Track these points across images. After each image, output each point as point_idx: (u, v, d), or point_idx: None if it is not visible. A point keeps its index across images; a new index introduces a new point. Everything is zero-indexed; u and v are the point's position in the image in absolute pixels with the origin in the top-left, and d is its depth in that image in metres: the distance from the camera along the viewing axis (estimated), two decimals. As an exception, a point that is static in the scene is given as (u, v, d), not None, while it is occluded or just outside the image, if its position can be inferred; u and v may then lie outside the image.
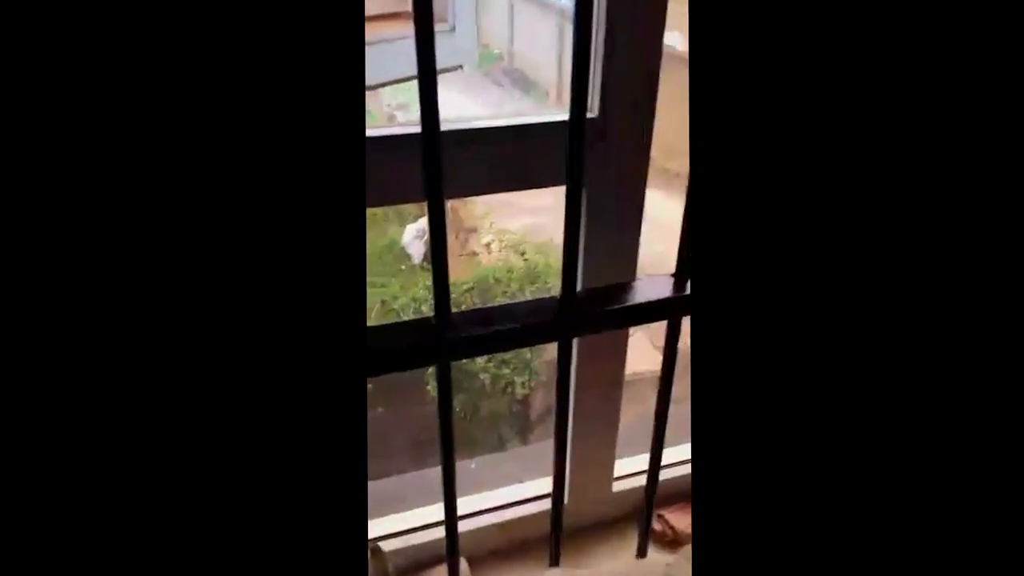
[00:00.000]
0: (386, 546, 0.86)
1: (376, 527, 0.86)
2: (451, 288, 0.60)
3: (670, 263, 0.61)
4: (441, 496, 0.75)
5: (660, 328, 0.63)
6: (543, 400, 3.31)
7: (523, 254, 3.71)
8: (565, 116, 0.52)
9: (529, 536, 0.91)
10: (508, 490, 0.93)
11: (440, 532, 0.85)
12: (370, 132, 0.60)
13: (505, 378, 3.13)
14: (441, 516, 0.80)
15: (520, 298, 3.14)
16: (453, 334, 0.61)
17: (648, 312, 0.60)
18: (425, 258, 3.95)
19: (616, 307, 0.61)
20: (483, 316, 0.63)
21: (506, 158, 0.64)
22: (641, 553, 0.77)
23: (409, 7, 0.43)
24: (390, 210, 4.36)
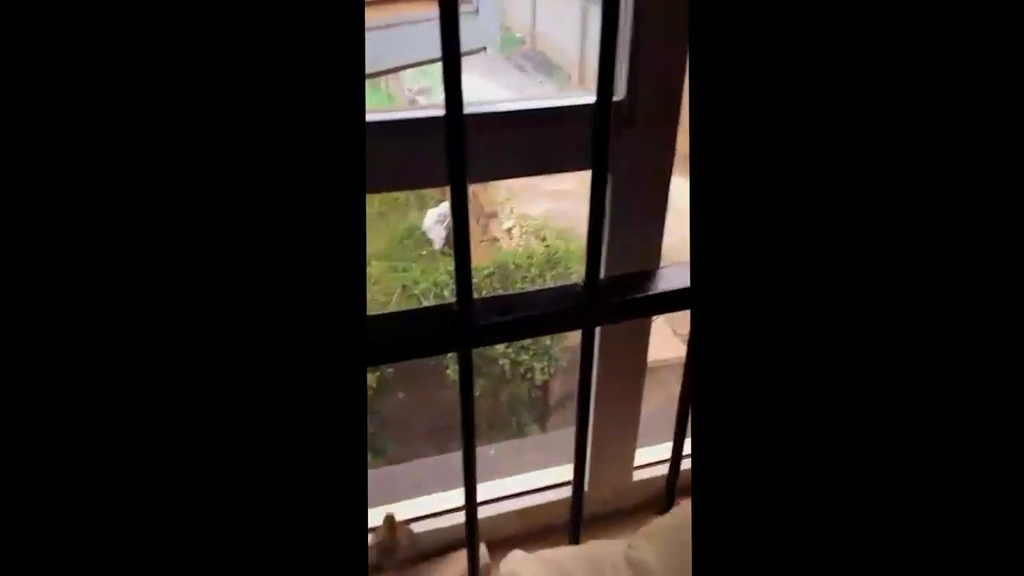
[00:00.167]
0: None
1: (396, 511, 0.87)
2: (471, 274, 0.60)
3: (696, 251, 0.59)
4: (461, 481, 0.75)
5: (681, 316, 0.62)
6: (562, 386, 3.31)
7: (544, 240, 3.70)
8: (590, 99, 0.51)
9: (549, 523, 0.91)
10: (528, 476, 0.93)
11: (460, 517, 0.85)
12: (392, 115, 0.59)
13: (524, 364, 3.13)
14: (461, 501, 0.80)
15: (540, 284, 3.13)
16: (475, 321, 0.61)
17: (672, 301, 0.59)
18: (446, 243, 3.95)
19: (640, 295, 0.60)
20: (505, 303, 0.63)
21: (530, 142, 0.63)
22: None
23: (433, -13, 0.42)
24: (411, 195, 4.37)
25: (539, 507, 0.91)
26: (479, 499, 0.76)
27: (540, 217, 4.03)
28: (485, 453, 0.80)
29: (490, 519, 0.88)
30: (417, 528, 0.87)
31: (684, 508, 0.57)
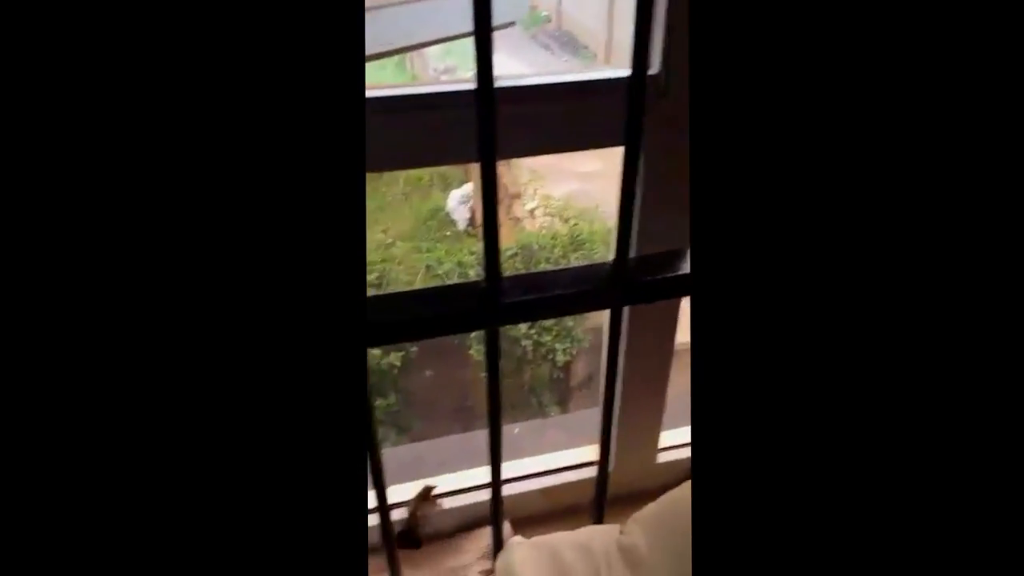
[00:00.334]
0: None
1: (421, 488, 0.88)
2: (500, 252, 0.59)
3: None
4: (484, 459, 0.75)
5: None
6: (584, 368, 3.30)
7: (567, 220, 3.67)
8: (622, 73, 0.50)
9: (572, 503, 0.91)
10: (553, 456, 0.93)
11: (483, 495, 0.86)
12: (421, 89, 0.59)
13: (546, 345, 3.13)
14: (484, 479, 0.80)
15: (563, 265, 3.11)
16: (502, 300, 0.60)
17: (705, 280, 0.58)
18: (470, 223, 3.95)
19: (670, 275, 0.59)
20: (533, 282, 0.62)
21: (561, 117, 0.62)
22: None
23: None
24: (435, 175, 4.36)
25: (563, 486, 0.91)
26: (504, 477, 0.76)
27: (564, 198, 4.00)
28: (509, 432, 0.80)
29: (514, 497, 0.88)
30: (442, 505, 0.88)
31: (675, 493, 0.56)
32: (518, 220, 3.80)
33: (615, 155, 0.55)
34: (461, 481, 0.90)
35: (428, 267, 3.28)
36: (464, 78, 0.49)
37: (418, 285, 3.26)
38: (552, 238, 3.44)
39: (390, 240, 3.75)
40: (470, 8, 0.43)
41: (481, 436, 0.70)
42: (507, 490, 0.80)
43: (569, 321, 3.11)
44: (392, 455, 0.70)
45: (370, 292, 0.56)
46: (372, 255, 3.34)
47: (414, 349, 2.99)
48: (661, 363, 0.84)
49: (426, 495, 0.85)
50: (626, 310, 0.68)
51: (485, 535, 0.86)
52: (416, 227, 4.03)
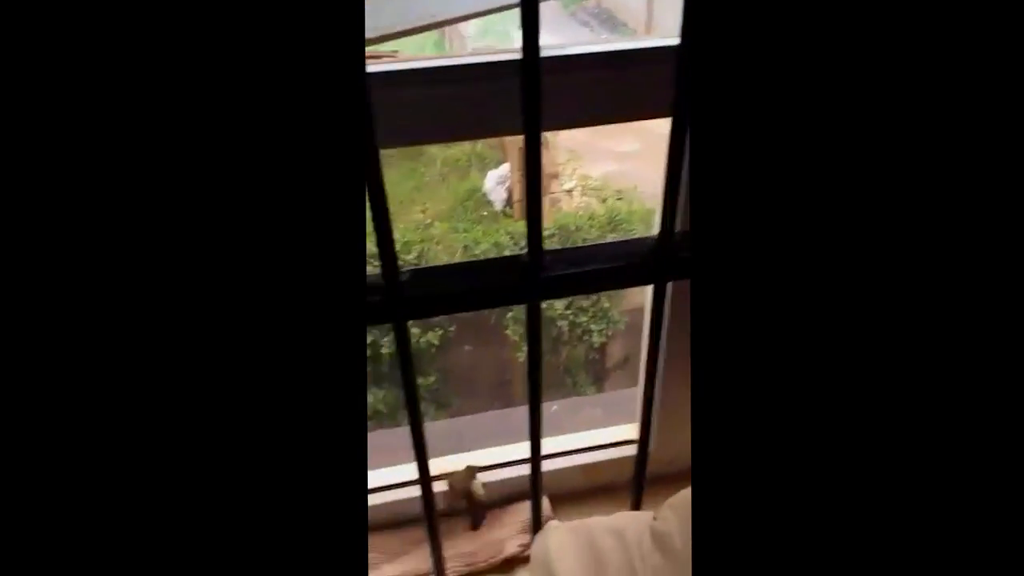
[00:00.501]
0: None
1: (461, 462, 0.89)
2: (543, 226, 0.59)
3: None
4: (518, 436, 0.75)
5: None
6: (620, 349, 3.28)
7: (605, 200, 3.63)
8: (669, 42, 0.48)
9: (612, 480, 0.91)
10: (592, 433, 0.93)
11: (521, 470, 0.86)
12: (463, 60, 0.58)
13: (582, 326, 3.12)
14: (521, 455, 0.81)
15: (601, 246, 3.07)
16: (544, 274, 0.60)
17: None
18: (507, 204, 3.94)
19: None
20: (575, 256, 0.62)
21: (605, 88, 0.61)
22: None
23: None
24: (472, 156, 4.36)
25: (602, 464, 0.91)
26: (543, 452, 0.76)
27: (602, 178, 3.95)
28: (547, 409, 0.80)
29: (552, 473, 0.89)
30: (480, 479, 0.89)
31: None
32: (555, 201, 3.78)
33: (654, 135, 0.54)
34: (500, 456, 0.90)
35: (465, 247, 3.30)
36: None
37: (455, 265, 3.27)
38: (589, 218, 3.41)
39: (428, 220, 3.77)
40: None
41: (517, 413, 0.70)
42: (546, 466, 0.80)
43: (605, 302, 3.09)
44: (431, 429, 0.71)
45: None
46: (410, 235, 3.36)
47: (452, 328, 3.01)
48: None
49: (471, 475, 0.86)
50: (670, 286, 0.67)
51: (523, 509, 0.87)
52: (454, 207, 4.04)
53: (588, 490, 0.91)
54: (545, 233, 0.58)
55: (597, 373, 3.30)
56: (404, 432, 0.70)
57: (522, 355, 2.77)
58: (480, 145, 4.33)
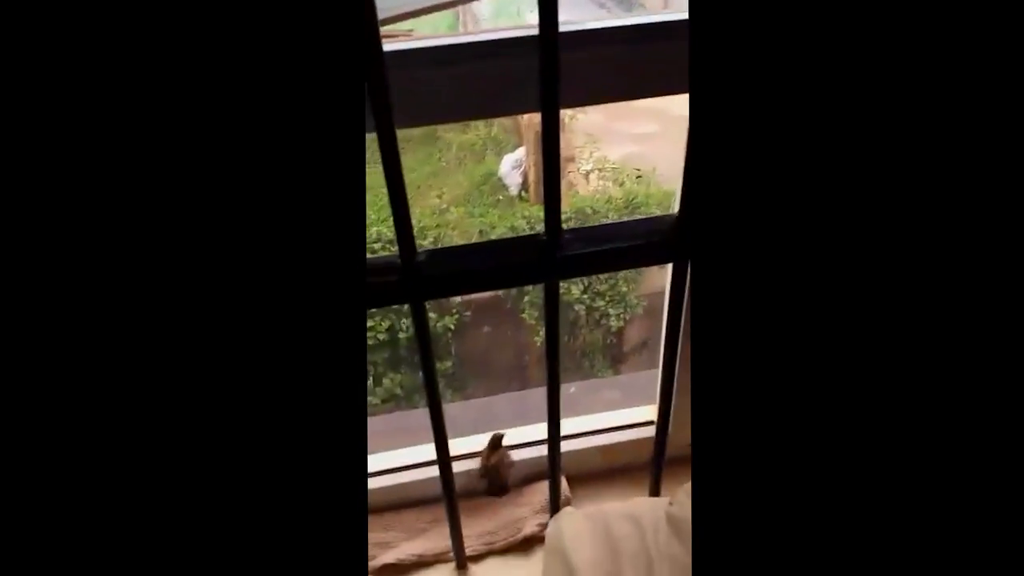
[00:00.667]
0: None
1: (479, 443, 0.89)
2: (560, 205, 0.58)
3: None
4: (538, 417, 0.75)
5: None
6: (637, 334, 3.27)
7: (622, 184, 3.60)
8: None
9: (630, 461, 0.91)
10: (610, 415, 0.93)
11: (541, 450, 0.86)
12: (480, 37, 0.57)
13: (599, 310, 3.11)
14: (542, 435, 0.81)
15: (618, 230, 3.05)
16: (563, 253, 0.60)
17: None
18: (522, 188, 3.92)
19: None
20: (594, 234, 0.61)
21: (623, 63, 0.60)
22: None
23: None
24: (488, 140, 4.34)
25: (620, 445, 0.91)
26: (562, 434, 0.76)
27: (619, 161, 3.91)
28: (565, 391, 0.80)
29: (570, 454, 0.89)
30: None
31: None
32: (572, 184, 3.75)
33: (671, 116, 0.53)
34: (518, 437, 0.91)
35: (481, 232, 3.29)
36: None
37: (472, 250, 3.26)
38: (607, 202, 3.38)
39: (444, 205, 3.77)
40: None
41: (533, 396, 0.71)
42: (564, 447, 0.80)
43: (623, 286, 3.07)
44: (447, 411, 0.72)
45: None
46: (427, 219, 3.36)
47: (468, 313, 3.02)
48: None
49: (496, 444, 0.87)
50: (690, 265, 0.66)
51: (542, 489, 0.87)
52: (470, 192, 4.03)
53: (606, 471, 0.91)
54: (562, 217, 0.58)
55: (615, 357, 3.29)
56: (421, 414, 0.70)
57: (539, 339, 2.78)
58: (495, 129, 4.31)
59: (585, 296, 3.09)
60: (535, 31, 0.49)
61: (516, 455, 0.89)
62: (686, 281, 0.65)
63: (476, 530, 0.85)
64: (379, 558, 0.82)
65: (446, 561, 0.84)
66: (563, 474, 0.85)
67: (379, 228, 2.89)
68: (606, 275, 3.02)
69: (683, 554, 0.58)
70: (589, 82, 0.59)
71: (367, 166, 0.36)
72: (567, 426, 0.90)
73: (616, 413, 0.93)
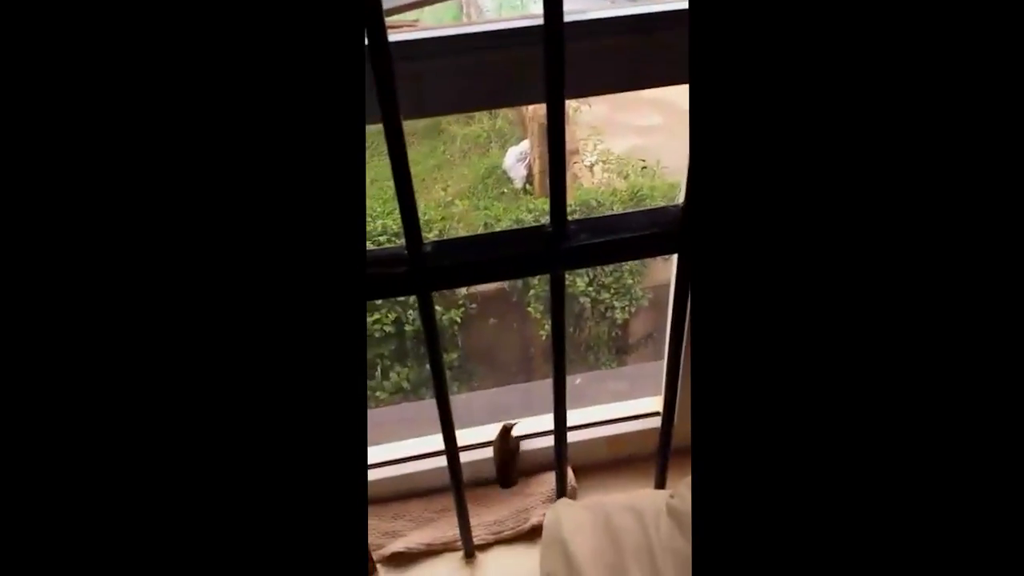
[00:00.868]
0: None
1: (486, 434, 0.90)
2: (563, 198, 0.58)
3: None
4: (545, 408, 0.75)
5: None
6: (642, 326, 3.27)
7: (627, 176, 3.59)
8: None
9: (635, 452, 0.91)
10: (616, 406, 0.93)
11: (548, 441, 0.87)
12: (484, 27, 0.57)
13: (605, 303, 3.11)
14: (549, 426, 0.81)
15: (623, 222, 3.04)
16: (568, 244, 0.60)
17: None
18: (527, 181, 3.92)
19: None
20: (599, 225, 0.61)
21: (628, 53, 0.60)
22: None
23: None
24: (492, 133, 4.33)
25: (626, 436, 0.91)
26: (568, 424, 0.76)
27: (624, 153, 3.90)
28: (571, 382, 0.81)
29: (576, 445, 0.89)
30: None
31: None
32: (576, 176, 3.74)
33: (675, 108, 0.53)
34: (525, 428, 0.91)
35: (486, 224, 3.29)
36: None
37: (477, 242, 3.26)
38: (612, 194, 3.38)
39: (449, 198, 3.76)
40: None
41: (539, 387, 0.71)
42: (570, 437, 0.81)
43: (628, 279, 3.07)
44: (454, 402, 0.72)
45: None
46: (432, 212, 3.36)
47: (474, 306, 3.03)
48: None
49: (506, 434, 0.87)
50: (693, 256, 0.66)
51: (548, 480, 0.88)
52: (474, 185, 4.03)
53: (612, 462, 0.92)
54: (567, 209, 0.58)
55: (620, 349, 3.29)
56: (429, 405, 0.71)
57: (544, 332, 2.78)
58: (500, 121, 4.30)
59: (590, 289, 3.09)
60: (540, 21, 0.49)
61: (523, 446, 0.90)
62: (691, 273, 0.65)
63: (484, 519, 0.85)
64: (388, 547, 0.83)
65: (454, 550, 0.84)
66: (569, 465, 0.86)
67: (384, 221, 2.89)
68: (611, 268, 3.02)
69: (685, 547, 0.59)
70: (594, 72, 0.59)
71: (373, 158, 0.36)
72: (573, 417, 0.91)
73: (622, 404, 0.93)
